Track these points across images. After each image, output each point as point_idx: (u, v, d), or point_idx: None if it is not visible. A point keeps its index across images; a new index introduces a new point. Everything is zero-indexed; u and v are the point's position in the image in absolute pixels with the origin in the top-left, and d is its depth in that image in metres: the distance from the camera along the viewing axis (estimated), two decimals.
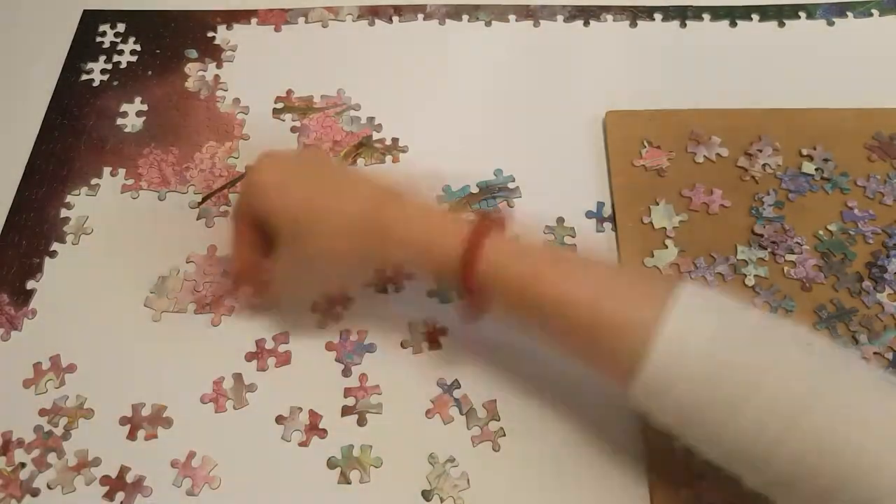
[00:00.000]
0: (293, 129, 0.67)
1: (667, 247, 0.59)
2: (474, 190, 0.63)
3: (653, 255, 0.59)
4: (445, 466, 0.52)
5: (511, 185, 0.63)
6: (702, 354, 0.40)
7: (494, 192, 0.63)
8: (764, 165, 0.62)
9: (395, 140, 0.66)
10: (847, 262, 0.58)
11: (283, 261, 0.51)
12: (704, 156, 0.63)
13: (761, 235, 0.59)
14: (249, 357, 0.56)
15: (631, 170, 0.63)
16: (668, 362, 0.40)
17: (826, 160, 0.62)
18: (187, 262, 0.60)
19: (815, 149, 0.63)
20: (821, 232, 0.60)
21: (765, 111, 0.65)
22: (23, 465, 0.52)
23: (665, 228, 0.60)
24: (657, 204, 0.61)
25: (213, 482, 0.52)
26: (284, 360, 0.56)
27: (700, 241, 0.60)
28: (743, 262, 0.58)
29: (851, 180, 0.61)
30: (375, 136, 0.66)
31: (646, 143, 0.64)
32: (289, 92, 0.69)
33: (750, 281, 0.58)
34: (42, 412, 0.54)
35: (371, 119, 0.67)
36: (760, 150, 0.63)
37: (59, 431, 0.53)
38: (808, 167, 0.62)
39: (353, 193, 0.49)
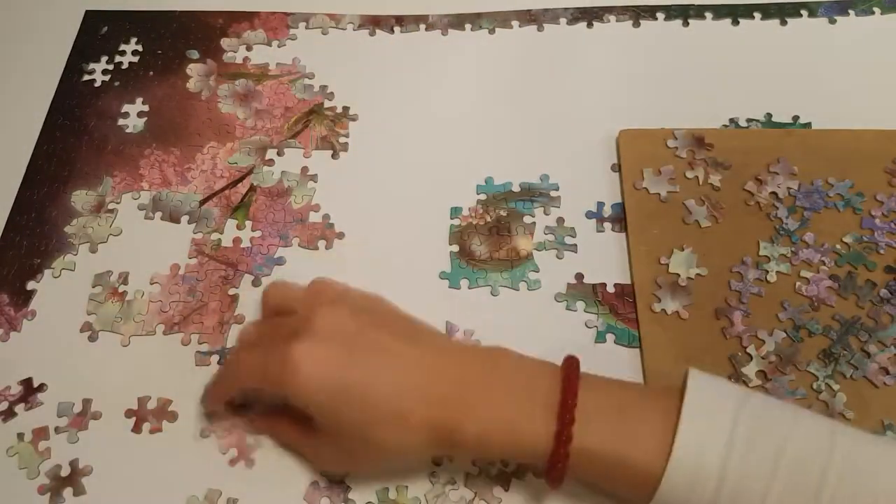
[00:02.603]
0: (245, 97, 0.67)
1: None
2: (516, 189, 0.62)
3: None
4: (445, 488, 0.51)
5: (553, 194, 0.62)
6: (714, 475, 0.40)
7: (535, 195, 0.62)
8: (772, 194, 0.60)
9: (345, 108, 0.67)
10: (864, 274, 0.57)
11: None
12: (719, 179, 0.61)
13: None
14: None
15: (640, 192, 0.61)
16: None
17: (849, 189, 0.60)
18: (151, 284, 0.59)
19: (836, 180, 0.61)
20: (838, 246, 0.58)
21: (783, 133, 0.64)
22: None
23: (678, 275, 0.57)
24: (682, 250, 0.58)
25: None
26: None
27: (717, 250, 0.58)
28: (765, 258, 0.58)
29: (868, 199, 0.60)
30: (327, 103, 0.67)
31: (660, 171, 0.62)
32: (245, 59, 0.70)
33: (772, 277, 0.57)
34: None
35: (346, 108, 0.67)
36: (777, 173, 0.61)
37: None
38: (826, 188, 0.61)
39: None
